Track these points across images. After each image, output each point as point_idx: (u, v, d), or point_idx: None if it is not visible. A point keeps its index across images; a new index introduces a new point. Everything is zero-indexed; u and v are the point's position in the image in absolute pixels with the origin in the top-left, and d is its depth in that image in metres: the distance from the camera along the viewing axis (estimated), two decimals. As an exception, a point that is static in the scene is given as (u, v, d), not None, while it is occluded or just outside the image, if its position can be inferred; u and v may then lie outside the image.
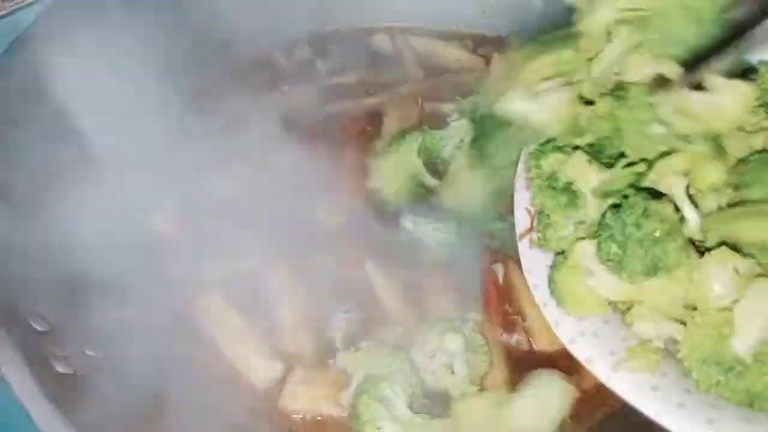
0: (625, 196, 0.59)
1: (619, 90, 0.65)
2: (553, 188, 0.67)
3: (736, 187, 0.58)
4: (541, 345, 0.84)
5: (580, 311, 0.63)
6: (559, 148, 0.68)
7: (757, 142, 0.60)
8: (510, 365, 0.83)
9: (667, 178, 0.60)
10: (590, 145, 0.67)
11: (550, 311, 0.66)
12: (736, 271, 0.54)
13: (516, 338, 0.85)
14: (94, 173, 0.86)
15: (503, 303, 0.87)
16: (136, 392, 0.73)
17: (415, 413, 0.76)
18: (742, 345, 0.52)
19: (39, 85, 0.82)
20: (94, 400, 0.68)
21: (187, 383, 0.80)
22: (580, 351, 0.62)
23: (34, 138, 0.82)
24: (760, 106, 0.64)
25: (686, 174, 0.61)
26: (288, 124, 1.07)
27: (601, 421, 0.76)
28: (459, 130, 0.96)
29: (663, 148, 0.62)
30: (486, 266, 0.90)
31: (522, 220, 0.73)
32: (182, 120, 1.00)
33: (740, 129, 0.61)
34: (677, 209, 0.60)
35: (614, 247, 0.57)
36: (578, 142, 0.68)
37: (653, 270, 0.56)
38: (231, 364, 0.84)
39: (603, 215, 0.60)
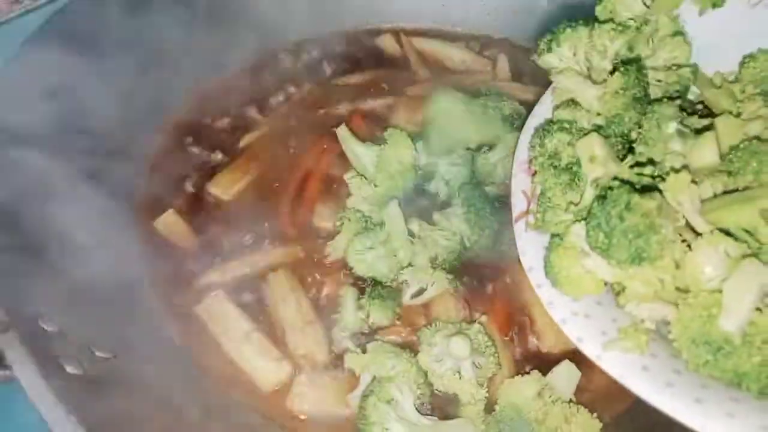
0: (611, 188, 0.61)
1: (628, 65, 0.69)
2: (555, 167, 0.70)
3: (729, 174, 0.60)
4: (548, 346, 0.87)
5: (575, 291, 0.65)
6: (565, 128, 0.70)
7: (752, 129, 0.63)
8: (517, 366, 0.86)
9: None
10: (599, 127, 0.70)
11: (544, 292, 0.69)
12: (727, 254, 0.56)
13: (523, 339, 0.88)
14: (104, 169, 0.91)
15: (510, 305, 0.90)
16: (144, 393, 0.77)
17: (423, 415, 0.78)
18: (730, 323, 0.55)
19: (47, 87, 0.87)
20: (104, 401, 0.72)
21: (196, 384, 0.84)
22: (571, 330, 0.64)
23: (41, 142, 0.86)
24: (759, 94, 0.67)
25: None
26: (293, 126, 1.11)
27: (608, 423, 0.78)
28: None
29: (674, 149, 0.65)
30: (492, 269, 0.93)
31: (518, 203, 0.75)
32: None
33: (736, 116, 0.64)
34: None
35: (601, 236, 0.60)
36: (585, 123, 0.71)
37: (638, 259, 0.59)
38: (238, 365, 0.87)
39: (593, 202, 0.63)
